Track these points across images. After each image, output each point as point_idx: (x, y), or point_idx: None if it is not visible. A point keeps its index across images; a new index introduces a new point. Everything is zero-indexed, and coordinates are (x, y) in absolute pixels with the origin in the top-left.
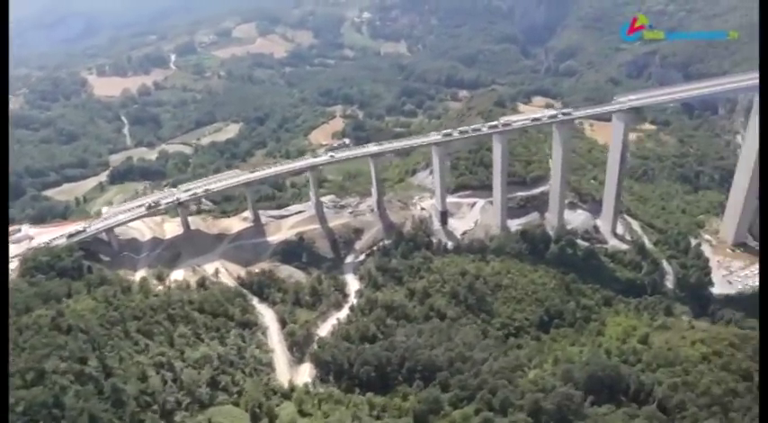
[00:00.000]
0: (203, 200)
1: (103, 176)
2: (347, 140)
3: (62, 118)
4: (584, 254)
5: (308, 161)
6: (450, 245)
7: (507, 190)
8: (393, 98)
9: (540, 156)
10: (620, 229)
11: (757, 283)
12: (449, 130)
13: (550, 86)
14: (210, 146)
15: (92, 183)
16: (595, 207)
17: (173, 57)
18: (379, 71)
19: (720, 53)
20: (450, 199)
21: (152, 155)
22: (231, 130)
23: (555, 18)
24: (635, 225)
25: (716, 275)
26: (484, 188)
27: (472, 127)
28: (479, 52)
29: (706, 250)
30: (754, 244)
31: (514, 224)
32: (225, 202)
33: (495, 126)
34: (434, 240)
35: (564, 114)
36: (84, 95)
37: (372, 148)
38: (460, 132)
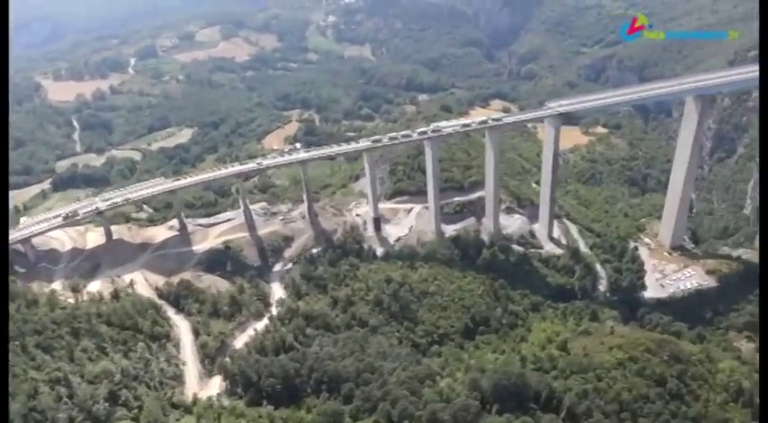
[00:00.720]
0: (144, 207)
1: (47, 184)
2: (298, 145)
3: (11, 124)
4: (516, 259)
5: (233, 169)
6: (381, 251)
7: (445, 195)
8: (351, 102)
9: (480, 161)
10: (557, 234)
11: (689, 286)
12: (378, 137)
13: (509, 90)
14: (159, 151)
15: (35, 190)
16: (534, 211)
17: (132, 61)
18: (339, 75)
19: (674, 57)
20: (387, 205)
21: (100, 161)
22: (184, 135)
23: (519, 22)
24: (573, 229)
25: (649, 279)
26: (421, 194)
27: (402, 133)
28: (443, 56)
29: (643, 254)
30: (692, 246)
31: (450, 229)
32: (165, 210)
33: (425, 132)
34: (366, 247)
35: (494, 120)
36: (38, 100)
37: (301, 154)
38: (390, 139)
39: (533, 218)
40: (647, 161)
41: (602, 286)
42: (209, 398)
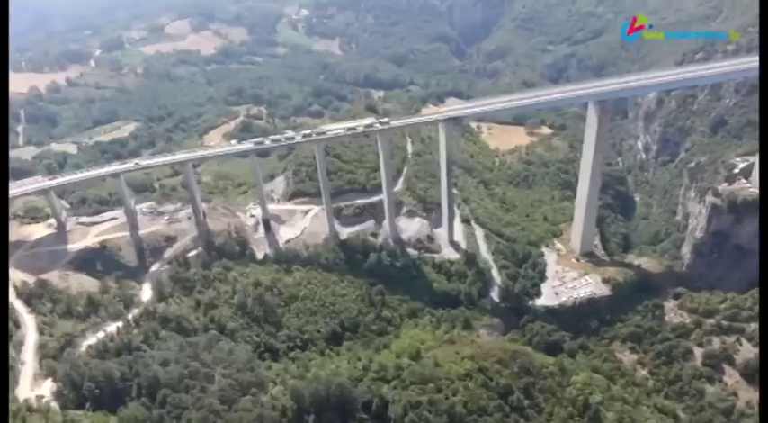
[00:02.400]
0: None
1: None
2: (234, 141)
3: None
4: (403, 264)
5: (110, 168)
6: (264, 254)
7: (346, 197)
8: (302, 98)
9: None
10: (460, 238)
11: (582, 295)
12: (260, 139)
13: (465, 88)
14: (94, 146)
15: None
16: (452, 215)
17: (97, 53)
18: (299, 70)
19: (632, 56)
20: (286, 206)
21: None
22: (129, 130)
23: (491, 17)
24: (479, 234)
25: (547, 287)
26: (321, 195)
27: (285, 135)
28: (410, 52)
29: (551, 260)
30: (602, 253)
31: (348, 232)
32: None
33: (309, 135)
34: (249, 249)
35: (381, 123)
36: None
37: (180, 155)
38: (272, 141)
39: (439, 221)
40: (601, 163)
41: (495, 293)
42: (26, 400)
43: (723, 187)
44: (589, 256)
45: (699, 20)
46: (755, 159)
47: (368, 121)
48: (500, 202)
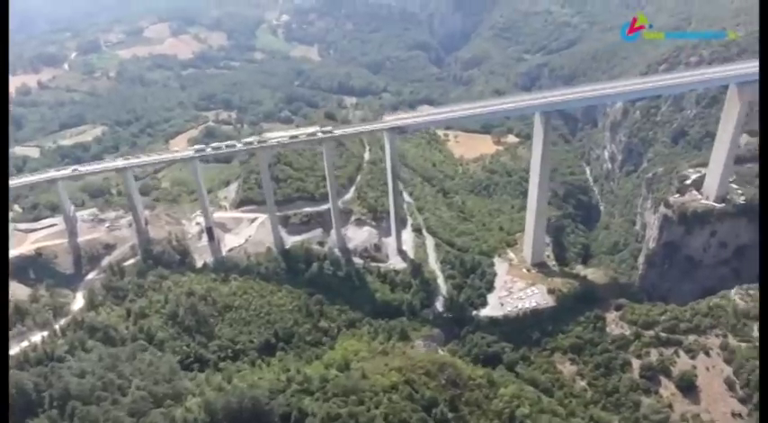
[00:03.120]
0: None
1: None
2: (197, 147)
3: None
4: (346, 273)
5: (45, 175)
6: (204, 262)
7: (294, 205)
8: (273, 104)
9: (345, 170)
10: (410, 247)
11: (527, 305)
12: (201, 146)
13: (438, 96)
14: (57, 149)
15: None
16: (399, 224)
17: (72, 55)
18: (274, 76)
19: (602, 67)
20: (234, 213)
21: None
22: (95, 133)
23: (470, 26)
24: (430, 243)
25: (494, 297)
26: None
27: (226, 143)
28: (387, 59)
29: (501, 270)
30: (553, 264)
31: (294, 240)
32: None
33: (251, 143)
34: (189, 257)
35: (324, 132)
36: None
37: (118, 162)
38: (213, 148)
39: (389, 231)
40: (549, 173)
41: (439, 303)
42: None
43: (674, 198)
44: (540, 266)
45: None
46: (707, 170)
47: (311, 129)
48: (458, 211)
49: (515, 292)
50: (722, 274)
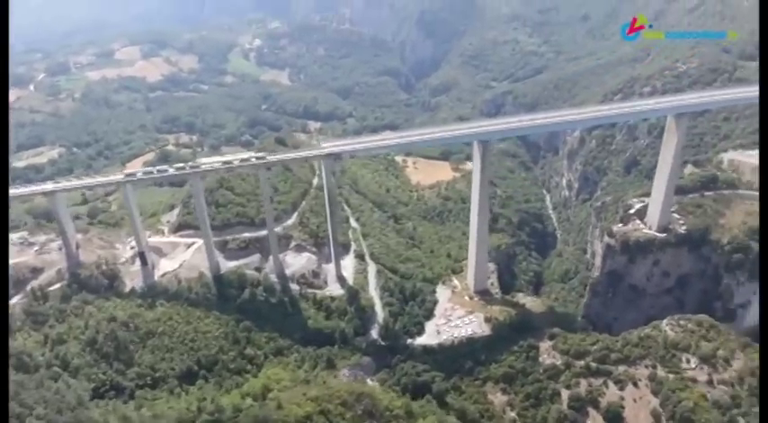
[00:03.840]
0: None
1: None
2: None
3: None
4: (278, 300)
5: None
6: (133, 287)
7: (234, 230)
8: (236, 128)
9: (288, 196)
10: (350, 274)
11: (463, 334)
12: (132, 171)
13: (402, 121)
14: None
15: None
16: (338, 250)
17: (40, 76)
18: (240, 99)
19: (563, 95)
20: (171, 238)
21: None
22: (51, 155)
23: (440, 54)
24: (371, 270)
25: (432, 325)
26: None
27: (158, 168)
28: (356, 84)
29: (443, 297)
30: (496, 291)
31: (230, 265)
32: None
33: (183, 167)
34: (127, 282)
35: (257, 158)
36: None
37: (47, 185)
38: (144, 173)
39: (330, 257)
40: (503, 200)
41: (375, 331)
42: None
43: (618, 227)
44: (483, 294)
45: (627, 62)
46: (649, 200)
47: (244, 155)
48: (408, 238)
49: (453, 320)
50: (666, 303)
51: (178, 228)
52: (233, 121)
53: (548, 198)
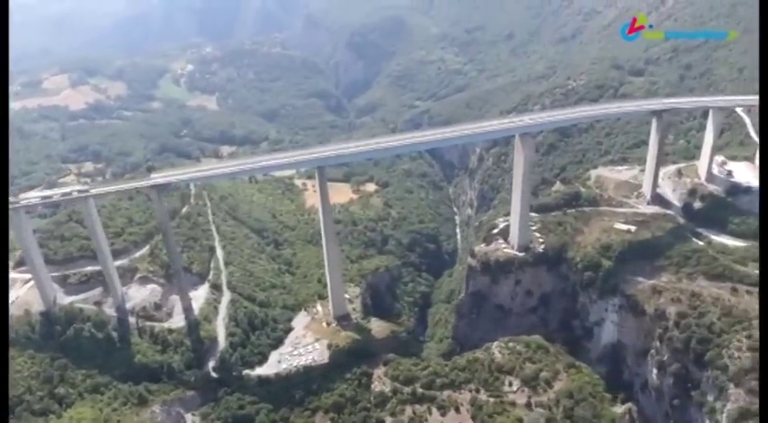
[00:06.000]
0: None
1: None
2: None
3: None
4: (105, 335)
5: None
6: None
7: (76, 264)
8: (143, 155)
9: (143, 227)
10: (199, 305)
11: (303, 362)
12: None
13: (318, 143)
14: None
15: None
16: (193, 280)
17: None
18: (157, 126)
19: (473, 113)
20: (12, 274)
21: None
22: None
23: (372, 74)
24: (225, 299)
25: (276, 354)
26: (48, 262)
27: None
28: (282, 107)
29: (301, 324)
30: (358, 316)
31: (70, 300)
32: None
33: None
34: None
35: (79, 192)
36: None
37: None
38: None
39: (192, 287)
40: (396, 222)
41: (212, 363)
42: None
43: (479, 248)
44: (342, 319)
45: (535, 79)
46: (510, 219)
47: (67, 189)
48: (284, 263)
49: (300, 348)
50: (532, 322)
51: (18, 263)
52: (141, 149)
53: (457, 217)
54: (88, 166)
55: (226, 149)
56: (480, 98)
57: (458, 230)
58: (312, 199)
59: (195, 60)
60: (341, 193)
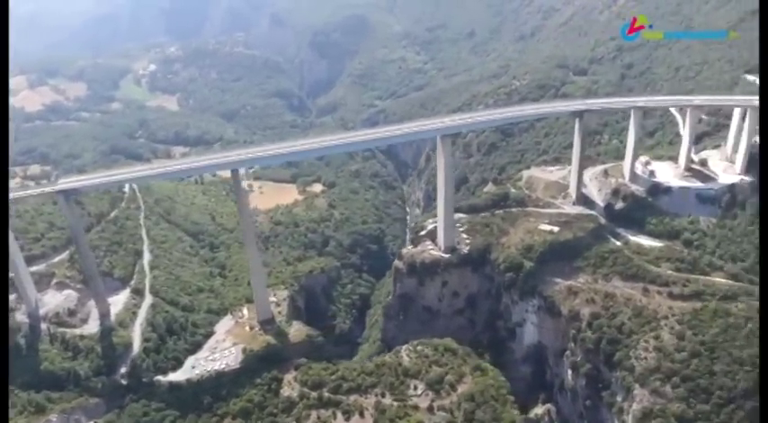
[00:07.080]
0: None
1: None
2: None
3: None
4: (14, 342)
5: None
6: None
7: None
8: (91, 158)
9: (56, 232)
10: (117, 310)
11: (217, 367)
12: None
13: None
14: None
15: None
16: (114, 285)
17: None
18: (111, 127)
19: (427, 113)
20: None
21: None
22: None
23: (336, 73)
24: (146, 304)
25: (191, 360)
26: None
27: None
28: (242, 107)
29: (223, 329)
30: (282, 319)
31: None
32: None
33: None
34: None
35: None
36: None
37: None
38: None
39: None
40: (338, 223)
41: (123, 369)
42: None
43: (407, 250)
44: (267, 323)
45: (487, 78)
46: (437, 221)
47: None
48: (217, 267)
49: (216, 352)
50: (460, 323)
51: None
52: (90, 151)
53: (408, 217)
54: (35, 169)
55: (179, 150)
56: (435, 97)
57: (407, 230)
58: (256, 200)
59: (158, 60)
60: (287, 194)
